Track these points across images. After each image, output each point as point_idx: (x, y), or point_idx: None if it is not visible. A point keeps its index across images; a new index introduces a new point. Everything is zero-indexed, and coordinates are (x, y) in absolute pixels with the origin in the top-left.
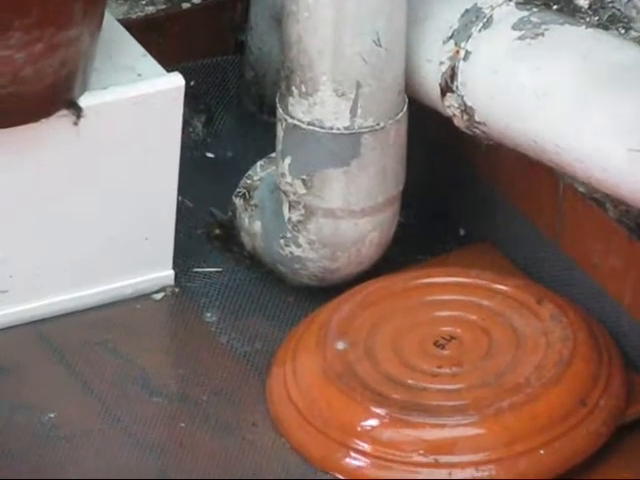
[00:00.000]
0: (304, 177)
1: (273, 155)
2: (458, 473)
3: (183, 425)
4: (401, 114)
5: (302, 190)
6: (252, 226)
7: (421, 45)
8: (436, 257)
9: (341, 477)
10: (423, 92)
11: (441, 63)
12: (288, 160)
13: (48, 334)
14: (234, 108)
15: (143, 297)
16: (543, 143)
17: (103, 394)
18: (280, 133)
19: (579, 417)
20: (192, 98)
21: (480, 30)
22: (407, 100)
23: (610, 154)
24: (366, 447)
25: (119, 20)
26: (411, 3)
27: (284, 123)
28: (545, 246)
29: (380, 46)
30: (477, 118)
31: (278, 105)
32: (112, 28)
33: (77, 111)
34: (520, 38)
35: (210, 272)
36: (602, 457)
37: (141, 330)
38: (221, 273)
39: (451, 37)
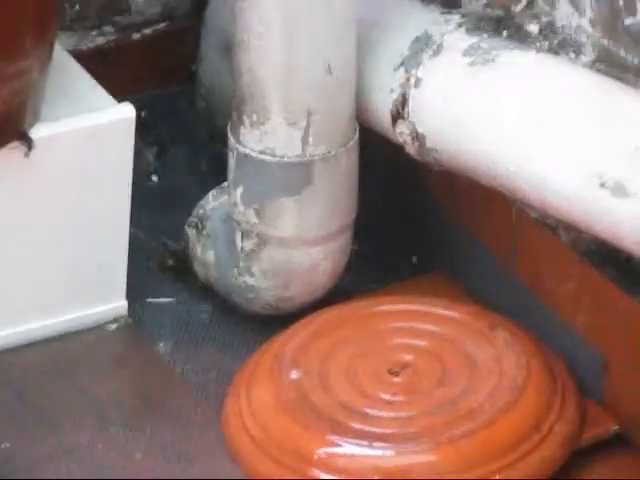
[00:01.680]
0: (256, 206)
1: (225, 185)
2: None
3: (139, 455)
4: (352, 142)
5: (255, 219)
6: (205, 256)
7: (372, 72)
8: (389, 285)
9: None
10: (374, 119)
11: (392, 90)
12: (240, 189)
13: (1, 365)
14: (186, 138)
15: (97, 328)
16: (495, 167)
17: (58, 425)
18: (232, 162)
19: (533, 443)
20: (143, 128)
21: (431, 57)
22: (358, 127)
23: (562, 178)
24: (322, 475)
25: (69, 51)
26: (361, 31)
27: (236, 152)
28: (499, 272)
29: (331, 74)
30: (428, 145)
31: (230, 134)
32: (62, 59)
33: (28, 142)
34: (471, 64)
35: (164, 302)
36: None
37: (95, 361)
38: (175, 303)
39: (402, 64)
